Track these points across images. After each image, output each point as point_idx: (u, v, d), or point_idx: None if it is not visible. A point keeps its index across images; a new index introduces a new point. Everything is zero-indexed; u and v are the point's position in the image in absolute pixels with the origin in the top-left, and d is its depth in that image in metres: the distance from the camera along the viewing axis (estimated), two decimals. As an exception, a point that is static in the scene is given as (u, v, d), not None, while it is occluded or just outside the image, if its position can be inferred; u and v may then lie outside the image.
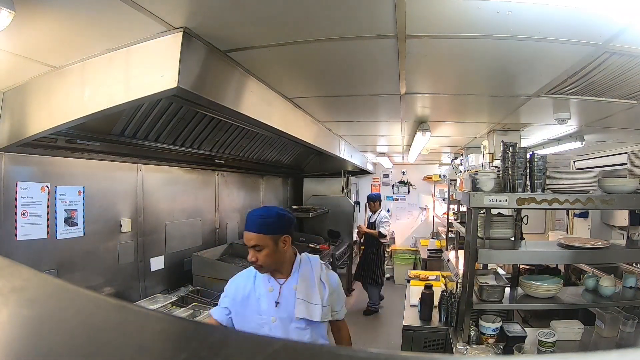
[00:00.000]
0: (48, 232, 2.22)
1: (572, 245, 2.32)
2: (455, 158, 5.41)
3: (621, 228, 3.83)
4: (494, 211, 2.67)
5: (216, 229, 4.12)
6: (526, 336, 2.33)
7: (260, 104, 2.12)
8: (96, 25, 1.35)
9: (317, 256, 1.78)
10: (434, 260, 5.97)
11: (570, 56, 1.53)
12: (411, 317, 3.08)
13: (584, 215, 4.35)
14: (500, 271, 2.83)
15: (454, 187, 3.92)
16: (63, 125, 1.70)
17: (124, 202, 2.82)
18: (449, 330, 2.75)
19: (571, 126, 3.04)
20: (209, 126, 3.19)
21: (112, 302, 0.42)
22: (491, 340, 2.35)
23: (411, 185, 7.91)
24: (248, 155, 4.31)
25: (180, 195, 3.51)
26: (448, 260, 3.46)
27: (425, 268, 5.96)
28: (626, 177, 2.29)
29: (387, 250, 7.59)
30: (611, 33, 1.28)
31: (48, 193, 2.22)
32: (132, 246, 2.88)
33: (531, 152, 2.24)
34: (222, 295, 1.73)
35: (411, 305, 3.30)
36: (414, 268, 6.91)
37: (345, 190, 6.69)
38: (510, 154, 2.23)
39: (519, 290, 2.47)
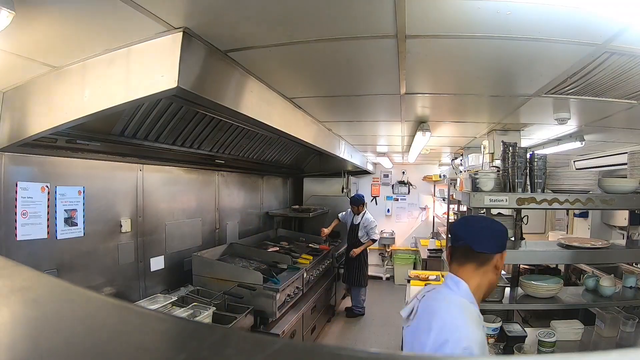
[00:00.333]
0: (48, 232, 2.22)
1: (572, 245, 2.32)
2: (455, 158, 5.41)
3: (621, 228, 3.83)
4: (494, 211, 2.67)
5: (216, 229, 4.12)
6: (526, 336, 2.33)
7: (260, 104, 2.12)
8: (96, 25, 1.35)
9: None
10: (434, 260, 5.97)
11: (570, 56, 1.53)
12: (411, 317, 3.07)
13: (584, 215, 4.35)
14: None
15: (454, 187, 3.92)
16: (63, 125, 1.70)
17: (124, 202, 2.82)
18: (449, 330, 2.75)
19: (571, 126, 3.04)
20: (209, 126, 3.19)
21: (112, 302, 0.42)
22: (491, 340, 2.34)
23: (411, 185, 7.91)
24: (248, 155, 4.32)
25: (180, 195, 3.51)
26: (448, 260, 3.44)
27: (425, 268, 5.95)
28: (626, 177, 2.29)
29: (387, 250, 7.60)
30: (611, 33, 1.28)
31: (48, 193, 2.22)
32: (132, 246, 2.88)
33: (531, 152, 2.24)
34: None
35: (411, 305, 3.30)
36: (414, 268, 6.92)
37: (345, 190, 6.69)
38: (510, 154, 2.23)
39: (519, 290, 2.47)
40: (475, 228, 1.34)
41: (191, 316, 2.61)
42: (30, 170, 2.14)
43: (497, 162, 2.74)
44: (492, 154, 3.38)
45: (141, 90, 1.49)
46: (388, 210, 7.95)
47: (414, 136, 3.69)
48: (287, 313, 3.53)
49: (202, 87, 1.56)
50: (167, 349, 0.36)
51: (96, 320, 0.38)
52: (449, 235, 1.44)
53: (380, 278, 7.56)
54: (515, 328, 2.40)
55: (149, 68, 1.47)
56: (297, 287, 3.76)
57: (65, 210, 2.33)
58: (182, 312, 2.64)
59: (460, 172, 4.67)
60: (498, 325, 2.36)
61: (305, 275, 3.95)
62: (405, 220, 7.96)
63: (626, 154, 2.41)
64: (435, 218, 7.58)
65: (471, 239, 1.31)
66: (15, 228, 2.04)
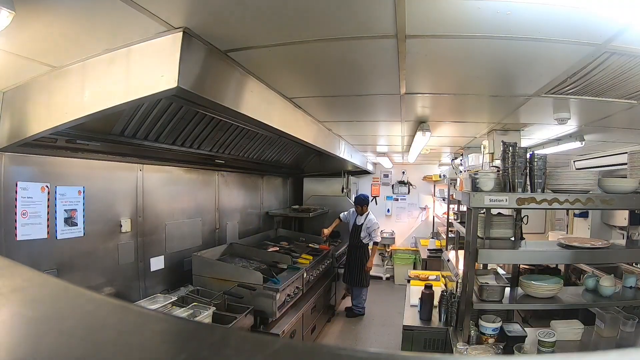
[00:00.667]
0: (48, 232, 2.22)
1: (572, 245, 2.32)
2: (455, 158, 5.40)
3: (621, 228, 3.84)
4: (494, 211, 2.67)
5: (216, 229, 4.12)
6: (526, 336, 2.33)
7: (260, 104, 2.12)
8: (96, 25, 1.35)
9: None
10: (434, 260, 5.97)
11: (570, 56, 1.53)
12: (411, 317, 3.08)
13: (584, 215, 4.35)
14: (500, 271, 2.83)
15: (454, 187, 3.92)
16: (63, 125, 1.70)
17: (124, 202, 2.82)
18: (449, 330, 2.75)
19: (571, 126, 3.04)
20: (209, 126, 3.19)
21: (112, 302, 0.42)
22: (491, 340, 2.35)
23: (411, 185, 7.91)
24: (248, 155, 4.32)
25: (180, 195, 3.51)
26: (448, 260, 3.45)
27: (425, 268, 5.96)
28: (626, 177, 2.29)
29: (387, 250, 7.60)
30: (611, 33, 1.28)
31: (48, 193, 2.22)
32: (132, 246, 2.88)
33: (531, 152, 2.24)
34: None
35: (411, 305, 3.31)
36: (414, 268, 6.92)
37: (345, 190, 6.70)
38: (510, 154, 2.23)
39: (519, 290, 2.47)
40: None
41: (191, 316, 2.61)
42: (30, 170, 2.14)
43: (497, 162, 2.74)
44: (492, 154, 3.38)
45: (141, 90, 1.49)
46: (388, 210, 7.95)
47: (414, 136, 3.69)
48: (287, 313, 3.53)
49: (202, 87, 1.56)
50: (167, 349, 0.36)
51: (96, 320, 0.38)
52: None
53: (380, 278, 7.56)
54: (515, 328, 2.40)
55: (149, 68, 1.47)
56: (297, 287, 3.76)
57: (65, 210, 2.33)
58: (182, 312, 2.64)
59: (460, 172, 4.67)
60: (498, 325, 2.37)
61: (305, 275, 3.95)
62: (405, 220, 7.96)
63: (626, 154, 2.41)
64: (435, 218, 7.58)
65: None
66: (15, 228, 2.04)
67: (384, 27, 1.36)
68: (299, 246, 4.97)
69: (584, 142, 3.37)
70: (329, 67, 1.89)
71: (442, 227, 6.51)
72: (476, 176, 2.26)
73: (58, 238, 2.28)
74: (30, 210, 2.12)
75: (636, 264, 2.98)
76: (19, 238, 2.06)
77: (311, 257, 4.37)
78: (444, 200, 6.03)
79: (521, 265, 3.07)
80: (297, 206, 6.38)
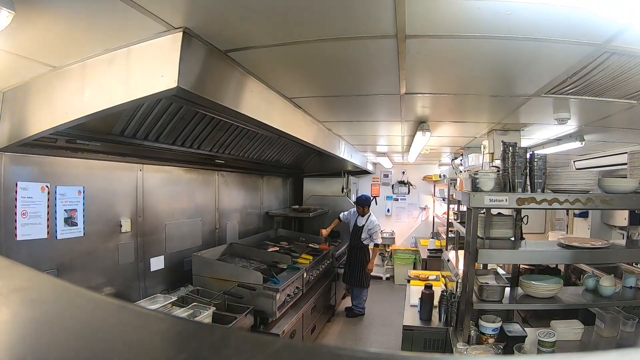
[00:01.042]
0: (48, 232, 2.22)
1: (572, 245, 2.32)
2: (455, 158, 5.41)
3: (621, 228, 3.84)
4: (494, 211, 2.67)
5: (216, 229, 4.12)
6: (526, 336, 2.33)
7: (260, 104, 2.12)
8: (96, 25, 1.35)
9: None
10: (434, 260, 5.97)
11: (570, 56, 1.53)
12: (411, 317, 3.08)
13: (584, 215, 4.35)
14: (500, 271, 2.83)
15: (454, 187, 3.92)
16: (63, 125, 1.70)
17: (124, 202, 2.82)
18: (449, 330, 2.75)
19: (571, 126, 3.04)
20: (209, 126, 3.19)
21: (112, 302, 0.42)
22: (491, 340, 2.35)
23: (411, 185, 7.91)
24: (248, 155, 4.32)
25: (180, 195, 3.51)
26: (448, 260, 3.46)
27: (425, 268, 5.96)
28: (626, 177, 2.29)
29: (387, 250, 7.60)
30: (611, 33, 1.28)
31: (48, 193, 2.22)
32: (132, 246, 2.88)
33: (531, 152, 2.24)
34: None
35: (411, 305, 3.31)
36: (414, 268, 6.92)
37: (345, 190, 6.70)
38: (510, 154, 2.24)
39: (519, 290, 2.47)
40: None
41: (191, 316, 2.61)
42: (30, 170, 2.14)
43: (497, 162, 2.74)
44: (492, 154, 3.38)
45: (141, 90, 1.49)
46: (388, 210, 7.95)
47: (414, 136, 3.69)
48: (287, 313, 3.53)
49: (202, 87, 1.56)
50: (167, 349, 0.36)
51: (96, 320, 0.38)
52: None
53: (380, 278, 7.56)
54: (515, 328, 2.40)
55: (149, 68, 1.47)
56: (297, 287, 3.76)
57: (65, 210, 2.33)
58: (182, 312, 2.64)
59: (460, 172, 4.66)
60: (498, 325, 2.37)
61: (305, 275, 3.95)
62: (405, 220, 7.96)
63: (626, 154, 2.41)
64: (435, 218, 7.58)
65: None
66: (15, 228, 2.04)
67: (384, 27, 1.36)
68: (298, 246, 4.97)
69: (584, 142, 3.37)
70: (329, 67, 1.89)
71: (442, 227, 6.52)
72: (476, 176, 2.27)
73: (58, 238, 2.28)
74: (30, 210, 2.12)
75: (636, 264, 2.98)
76: (19, 238, 2.06)
77: (311, 257, 4.37)
78: (444, 200, 6.03)
79: (521, 265, 3.07)
80: (297, 206, 6.38)
